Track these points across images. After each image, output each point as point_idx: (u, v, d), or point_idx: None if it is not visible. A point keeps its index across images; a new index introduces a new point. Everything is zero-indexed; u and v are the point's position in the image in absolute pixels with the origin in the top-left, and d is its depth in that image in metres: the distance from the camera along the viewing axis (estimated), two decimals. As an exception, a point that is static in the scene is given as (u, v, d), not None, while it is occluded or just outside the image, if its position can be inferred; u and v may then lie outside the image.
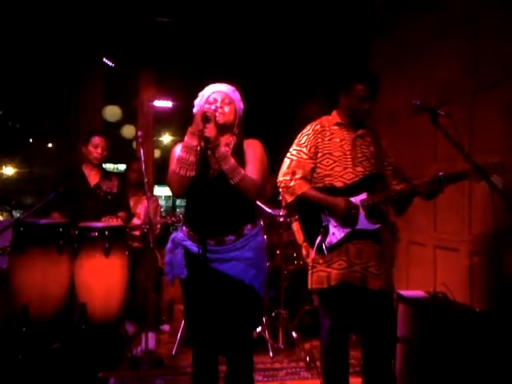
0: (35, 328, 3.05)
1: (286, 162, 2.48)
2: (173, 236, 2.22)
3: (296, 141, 2.51)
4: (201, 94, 2.25)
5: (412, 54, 3.72)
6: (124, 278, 3.31)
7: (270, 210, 3.73)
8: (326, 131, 2.46)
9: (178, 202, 12.74)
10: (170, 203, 12.71)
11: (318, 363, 3.39)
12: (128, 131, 7.50)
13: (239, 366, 2.16)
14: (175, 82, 5.74)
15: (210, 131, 2.01)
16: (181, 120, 8.08)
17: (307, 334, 3.87)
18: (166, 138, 9.77)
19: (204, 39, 4.69)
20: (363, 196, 2.36)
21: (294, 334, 3.71)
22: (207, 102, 2.17)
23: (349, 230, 2.36)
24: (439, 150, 3.33)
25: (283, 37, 4.63)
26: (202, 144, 2.00)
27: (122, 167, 8.16)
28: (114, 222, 3.40)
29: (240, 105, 2.25)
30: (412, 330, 2.63)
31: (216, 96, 2.18)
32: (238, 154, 2.16)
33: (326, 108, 5.17)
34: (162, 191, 12.08)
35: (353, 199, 2.35)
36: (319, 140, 2.44)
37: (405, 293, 2.77)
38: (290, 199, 2.43)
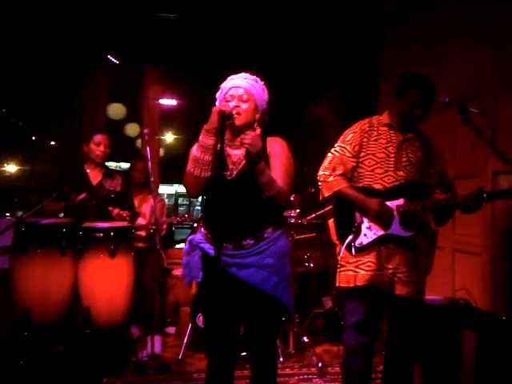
0: (37, 332, 2.97)
1: (329, 157, 2.45)
2: (190, 238, 2.13)
3: (342, 137, 2.47)
4: (221, 86, 2.08)
5: (428, 52, 3.58)
6: (129, 280, 3.23)
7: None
8: (374, 131, 2.41)
9: (180, 200, 12.68)
10: (172, 201, 12.66)
11: (329, 369, 3.30)
12: (132, 129, 7.38)
13: (264, 372, 2.08)
14: (181, 80, 5.63)
15: (256, 145, 1.88)
16: (184, 118, 7.96)
17: (318, 338, 3.79)
18: (169, 137, 9.67)
19: (210, 36, 4.57)
20: (400, 202, 2.30)
21: (305, 339, 3.60)
22: (225, 98, 2.02)
23: (381, 233, 2.30)
24: (458, 149, 3.20)
25: (293, 36, 4.52)
26: (219, 144, 1.89)
27: (125, 166, 8.06)
28: (120, 221, 3.31)
29: (262, 98, 2.07)
30: (431, 338, 2.53)
31: (233, 92, 2.01)
32: (262, 154, 1.98)
33: (335, 108, 5.09)
34: (164, 189, 12.01)
35: (389, 203, 2.29)
36: (364, 139, 2.39)
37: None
38: (326, 194, 2.42)
